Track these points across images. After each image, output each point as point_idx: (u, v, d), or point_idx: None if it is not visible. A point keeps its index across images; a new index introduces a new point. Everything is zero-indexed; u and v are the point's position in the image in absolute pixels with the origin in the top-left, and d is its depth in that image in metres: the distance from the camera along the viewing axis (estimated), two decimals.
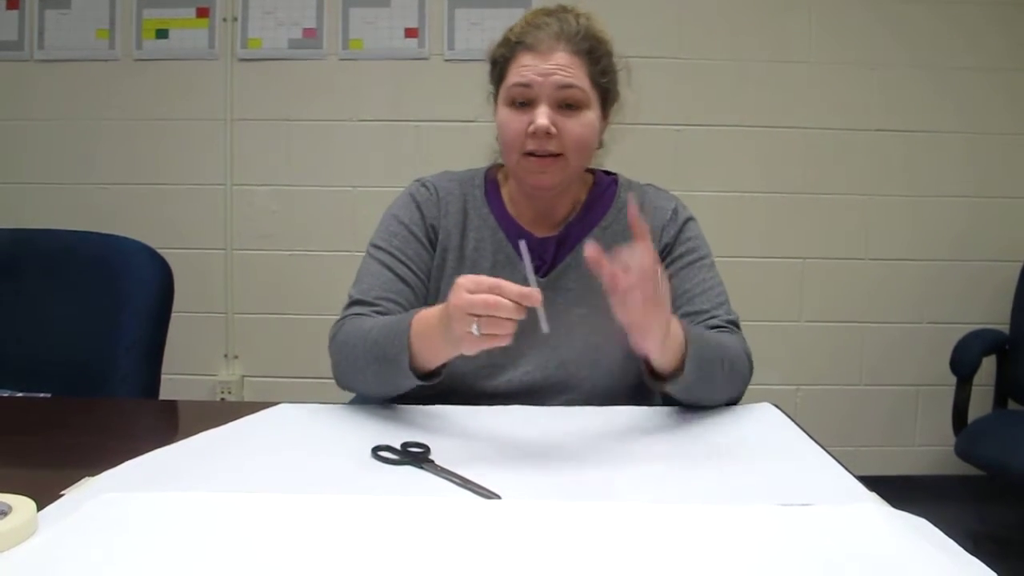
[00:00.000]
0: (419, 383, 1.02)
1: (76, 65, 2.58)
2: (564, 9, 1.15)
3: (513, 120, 1.11)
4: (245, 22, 2.57)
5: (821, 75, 2.56)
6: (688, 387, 1.02)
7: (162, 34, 2.58)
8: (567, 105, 1.10)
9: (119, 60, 2.58)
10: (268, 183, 2.62)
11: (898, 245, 2.62)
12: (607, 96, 1.16)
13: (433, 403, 1.09)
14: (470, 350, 0.91)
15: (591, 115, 1.12)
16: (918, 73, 2.56)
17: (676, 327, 0.99)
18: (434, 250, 1.20)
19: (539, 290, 0.86)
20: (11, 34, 2.57)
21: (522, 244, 0.93)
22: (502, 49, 1.15)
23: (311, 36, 2.57)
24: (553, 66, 1.09)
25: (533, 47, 1.11)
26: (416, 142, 2.57)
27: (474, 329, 0.86)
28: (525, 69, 1.10)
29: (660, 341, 0.94)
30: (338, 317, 1.16)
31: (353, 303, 1.16)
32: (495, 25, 2.49)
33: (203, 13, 2.57)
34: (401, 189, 1.26)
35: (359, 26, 2.57)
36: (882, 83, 2.57)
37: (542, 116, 1.08)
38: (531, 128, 1.09)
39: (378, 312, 1.13)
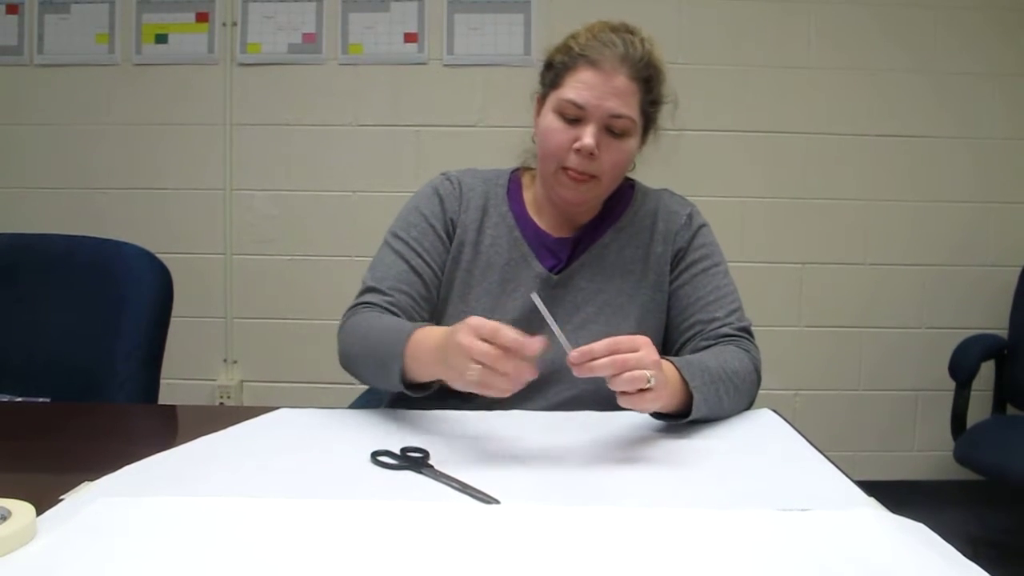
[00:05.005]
0: (411, 394, 1.02)
1: (76, 70, 2.58)
2: (629, 30, 1.15)
3: (559, 132, 1.13)
4: (245, 27, 2.57)
5: (821, 80, 2.57)
6: (695, 419, 1.01)
7: (161, 39, 2.58)
8: (612, 130, 1.12)
9: (119, 65, 2.58)
10: (267, 188, 2.62)
11: (897, 250, 2.62)
12: (650, 124, 1.18)
13: (431, 401, 1.08)
14: (463, 388, 0.89)
15: (633, 143, 1.15)
16: (917, 78, 2.57)
17: (670, 371, 0.98)
18: (451, 243, 1.21)
19: (541, 339, 0.86)
20: (11, 39, 2.57)
21: (534, 296, 0.91)
22: (563, 56, 1.15)
23: (311, 41, 2.58)
24: (611, 90, 1.10)
25: (596, 64, 1.11)
26: (415, 147, 2.57)
27: (473, 374, 0.85)
28: (583, 88, 1.11)
29: (657, 407, 0.94)
30: (351, 304, 1.18)
31: (366, 290, 1.18)
32: (494, 30, 2.52)
33: (203, 18, 2.57)
34: (401, 193, 1.28)
35: (359, 31, 2.57)
36: (881, 88, 2.57)
37: (589, 136, 1.10)
38: (576, 145, 1.11)
39: (389, 302, 1.15)
